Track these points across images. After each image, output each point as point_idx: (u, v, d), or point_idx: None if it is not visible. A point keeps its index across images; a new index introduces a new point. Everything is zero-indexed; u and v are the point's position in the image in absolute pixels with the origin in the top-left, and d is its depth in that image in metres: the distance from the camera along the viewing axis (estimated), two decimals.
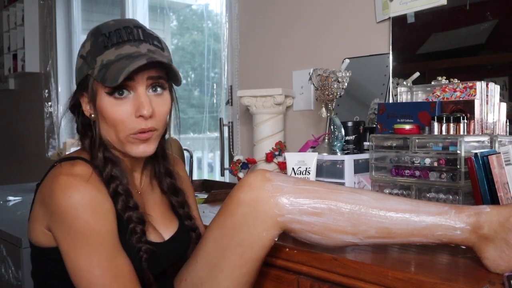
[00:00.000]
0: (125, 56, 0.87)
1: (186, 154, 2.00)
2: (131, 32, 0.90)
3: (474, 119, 1.13)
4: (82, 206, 0.82)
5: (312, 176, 1.19)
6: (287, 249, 0.99)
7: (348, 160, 1.31)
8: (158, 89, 0.91)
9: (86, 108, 0.93)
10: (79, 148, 0.97)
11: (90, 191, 0.84)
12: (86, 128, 0.95)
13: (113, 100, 0.88)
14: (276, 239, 0.92)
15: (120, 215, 0.89)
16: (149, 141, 0.91)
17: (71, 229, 0.83)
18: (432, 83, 1.29)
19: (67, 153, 1.01)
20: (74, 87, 0.96)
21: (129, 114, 0.88)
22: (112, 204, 0.88)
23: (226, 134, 2.19)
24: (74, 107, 0.95)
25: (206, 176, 2.74)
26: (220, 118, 2.18)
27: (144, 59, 0.85)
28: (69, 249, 0.84)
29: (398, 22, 1.55)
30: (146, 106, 0.87)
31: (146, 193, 1.02)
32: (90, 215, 0.83)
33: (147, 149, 0.91)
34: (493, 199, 0.95)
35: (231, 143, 2.17)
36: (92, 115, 0.92)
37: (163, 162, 1.05)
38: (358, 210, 0.87)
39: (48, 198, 0.85)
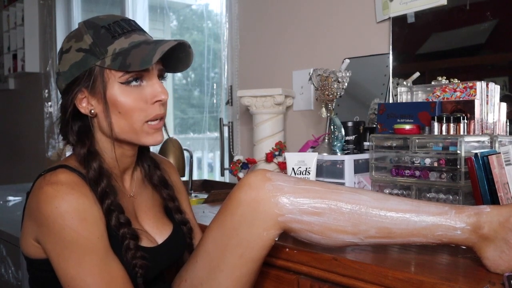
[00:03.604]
0: (142, 42, 0.88)
1: (186, 154, 2.00)
2: (130, 23, 0.91)
3: (474, 119, 1.13)
4: (69, 215, 0.81)
5: (312, 176, 1.19)
6: (287, 249, 0.99)
7: (348, 160, 1.31)
8: (163, 77, 0.95)
9: (82, 105, 0.90)
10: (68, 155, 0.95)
11: (77, 198, 0.82)
12: (82, 135, 0.92)
13: (128, 88, 0.88)
14: (276, 239, 0.92)
15: (108, 222, 0.87)
16: (160, 130, 0.93)
17: (59, 239, 0.81)
18: (432, 83, 1.29)
19: (66, 153, 1.00)
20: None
21: (144, 100, 0.89)
22: (100, 209, 0.86)
23: (226, 134, 2.19)
24: (66, 108, 0.90)
25: (206, 176, 2.74)
26: (220, 118, 2.18)
27: (169, 42, 0.86)
28: (60, 260, 0.82)
29: (398, 22, 1.55)
30: (164, 91, 0.90)
31: (138, 195, 1.01)
32: (78, 223, 0.81)
33: (160, 138, 0.93)
34: (493, 199, 0.95)
35: (231, 143, 2.17)
36: (92, 111, 0.90)
37: (148, 154, 1.06)
38: (358, 210, 0.86)
39: (35, 210, 0.83)
